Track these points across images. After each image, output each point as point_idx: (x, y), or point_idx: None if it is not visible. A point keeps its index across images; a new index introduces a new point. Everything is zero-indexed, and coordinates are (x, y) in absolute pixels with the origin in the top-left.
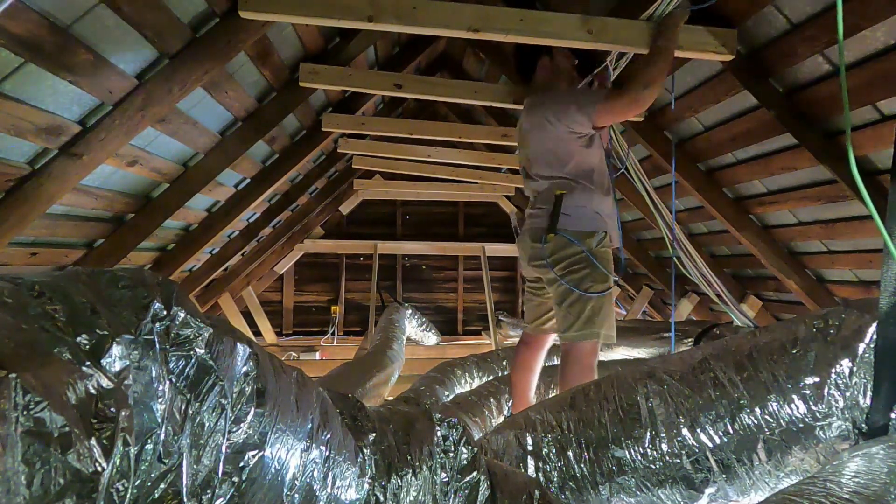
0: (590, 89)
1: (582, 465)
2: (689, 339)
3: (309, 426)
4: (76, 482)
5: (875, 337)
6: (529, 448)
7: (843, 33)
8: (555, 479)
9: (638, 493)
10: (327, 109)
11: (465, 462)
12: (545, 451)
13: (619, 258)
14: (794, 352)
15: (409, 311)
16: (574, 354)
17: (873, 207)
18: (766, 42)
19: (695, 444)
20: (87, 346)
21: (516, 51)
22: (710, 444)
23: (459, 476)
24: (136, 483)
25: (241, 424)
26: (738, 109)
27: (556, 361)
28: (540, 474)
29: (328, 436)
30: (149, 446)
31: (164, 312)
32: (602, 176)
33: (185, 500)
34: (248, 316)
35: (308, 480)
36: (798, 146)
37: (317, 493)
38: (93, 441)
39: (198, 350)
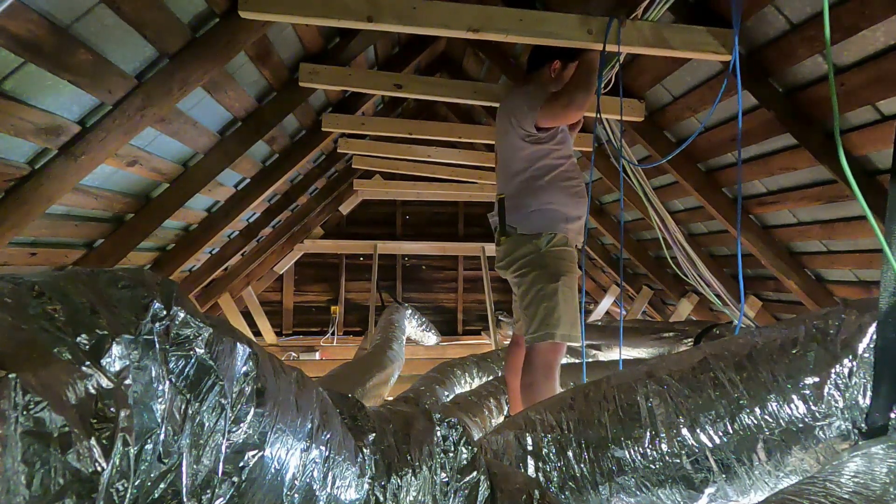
0: (542, 90)
1: (582, 465)
2: (689, 339)
3: (309, 426)
4: (76, 482)
5: (875, 337)
6: (529, 448)
7: (843, 34)
8: (555, 479)
9: (638, 493)
10: (327, 109)
11: (465, 462)
12: (545, 451)
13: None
14: (794, 352)
15: (409, 312)
16: (532, 355)
17: (868, 209)
18: (765, 42)
19: (694, 444)
20: (87, 346)
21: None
22: (710, 444)
23: (459, 476)
24: (136, 483)
25: (241, 424)
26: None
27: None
28: (540, 474)
29: (328, 436)
30: (149, 446)
31: (164, 312)
32: (562, 177)
33: (185, 500)
34: (248, 316)
35: (308, 480)
36: (798, 146)
37: (317, 493)
38: (93, 441)
39: (198, 350)
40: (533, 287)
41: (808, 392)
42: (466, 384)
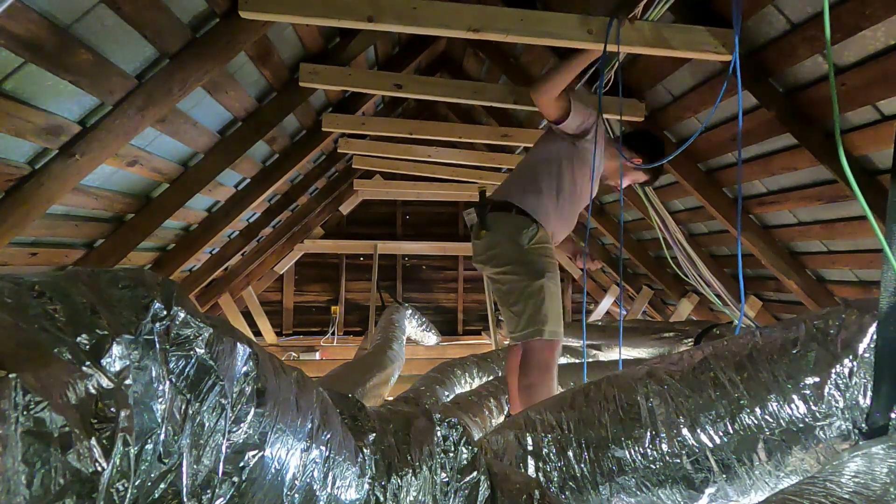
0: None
1: (582, 465)
2: (689, 339)
3: (309, 426)
4: (76, 482)
5: (875, 337)
6: (529, 448)
7: (843, 34)
8: (555, 479)
9: (638, 493)
10: (327, 109)
11: (465, 462)
12: (545, 451)
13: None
14: (795, 352)
15: (409, 312)
16: (528, 355)
17: (868, 209)
18: (766, 42)
19: (695, 444)
20: (87, 346)
21: None
22: (710, 444)
23: (459, 476)
24: (136, 483)
25: (241, 424)
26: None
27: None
28: (540, 474)
29: (328, 436)
30: (149, 446)
31: (164, 312)
32: (547, 178)
33: (185, 500)
34: (248, 316)
35: (308, 480)
36: (798, 146)
37: (317, 493)
38: (93, 441)
39: (198, 350)
40: (518, 284)
41: (808, 392)
42: (466, 384)
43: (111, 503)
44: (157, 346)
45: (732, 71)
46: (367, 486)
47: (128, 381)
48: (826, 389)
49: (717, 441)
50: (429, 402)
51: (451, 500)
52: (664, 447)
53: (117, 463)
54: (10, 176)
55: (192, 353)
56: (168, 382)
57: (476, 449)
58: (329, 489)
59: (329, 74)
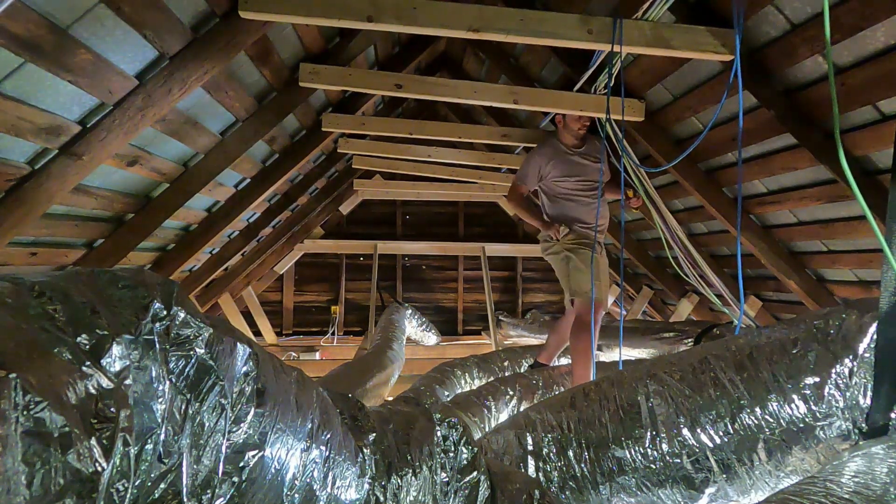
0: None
1: (582, 465)
2: (689, 339)
3: (309, 426)
4: (76, 482)
5: (875, 337)
6: (530, 448)
7: (843, 34)
8: (555, 479)
9: (638, 493)
10: (327, 109)
11: (465, 462)
12: (545, 450)
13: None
14: (795, 352)
15: (409, 311)
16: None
17: (868, 209)
18: (766, 42)
19: (695, 444)
20: (87, 346)
21: None
22: (711, 444)
23: (459, 476)
24: (136, 483)
25: (241, 424)
26: (737, 109)
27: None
28: (540, 474)
29: (328, 436)
30: (149, 446)
31: (164, 312)
32: (556, 201)
33: (185, 500)
34: (248, 316)
35: (308, 480)
36: (798, 146)
37: (317, 493)
38: (93, 441)
39: (198, 350)
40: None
41: (808, 392)
42: (467, 384)
43: (111, 503)
44: (157, 346)
45: (734, 71)
46: (367, 486)
47: (128, 381)
48: (826, 389)
49: (718, 441)
50: (429, 402)
51: (451, 500)
52: (664, 447)
53: (117, 463)
54: (10, 176)
55: (192, 353)
56: (168, 382)
57: (476, 449)
58: (329, 489)
59: (329, 74)
